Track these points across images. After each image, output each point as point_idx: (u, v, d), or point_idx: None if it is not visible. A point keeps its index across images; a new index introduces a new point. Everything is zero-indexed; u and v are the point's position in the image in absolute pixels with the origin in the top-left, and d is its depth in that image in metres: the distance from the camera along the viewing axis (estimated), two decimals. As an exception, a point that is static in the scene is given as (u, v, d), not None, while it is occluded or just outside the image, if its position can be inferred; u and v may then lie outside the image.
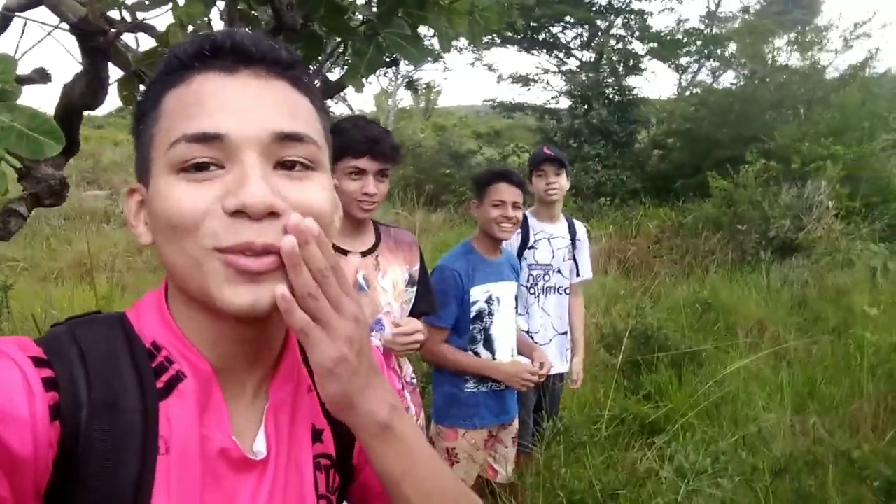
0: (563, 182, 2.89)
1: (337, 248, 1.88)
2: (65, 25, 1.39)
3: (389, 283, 1.92)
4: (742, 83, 12.14)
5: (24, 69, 1.48)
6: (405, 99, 24.96)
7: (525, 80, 15.36)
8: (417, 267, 2.04)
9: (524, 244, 2.87)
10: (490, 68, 15.23)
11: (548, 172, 2.87)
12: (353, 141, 1.80)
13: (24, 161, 1.39)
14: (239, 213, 0.55)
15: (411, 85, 19.78)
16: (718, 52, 13.82)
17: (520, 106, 15.19)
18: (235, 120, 0.57)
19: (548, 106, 14.86)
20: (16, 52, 1.27)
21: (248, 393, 0.66)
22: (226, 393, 0.64)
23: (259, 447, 0.64)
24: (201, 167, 0.57)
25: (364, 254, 1.90)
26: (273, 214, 0.56)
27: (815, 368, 4.29)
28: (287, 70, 0.62)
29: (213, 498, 0.60)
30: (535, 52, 15.15)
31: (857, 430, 3.18)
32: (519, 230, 2.81)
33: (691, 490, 2.02)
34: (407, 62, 1.77)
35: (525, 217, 2.91)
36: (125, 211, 0.66)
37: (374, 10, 1.80)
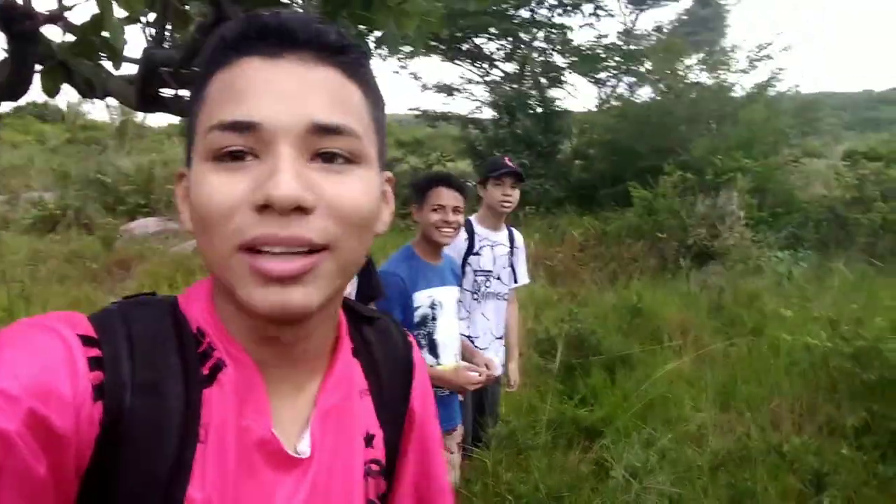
0: (517, 195, 2.92)
1: None
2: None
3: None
4: (658, 98, 12.69)
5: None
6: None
7: (449, 90, 15.47)
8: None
9: (470, 250, 2.87)
10: (415, 77, 15.18)
11: (505, 183, 2.88)
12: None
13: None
14: (266, 207, 0.53)
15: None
16: (635, 67, 14.39)
17: (444, 115, 15.26)
18: (272, 108, 0.54)
19: (472, 116, 15.03)
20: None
21: (292, 392, 0.64)
22: (270, 385, 0.62)
23: (303, 448, 0.63)
24: (236, 156, 0.55)
25: None
26: (301, 210, 0.53)
27: (734, 368, 4.50)
28: (336, 55, 0.58)
29: (249, 490, 0.58)
30: (458, 61, 15.29)
31: (779, 426, 3.35)
32: (466, 236, 2.80)
33: (640, 489, 2.06)
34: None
35: (470, 223, 2.91)
36: (175, 196, 0.65)
37: (316, 7, 1.75)
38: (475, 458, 2.83)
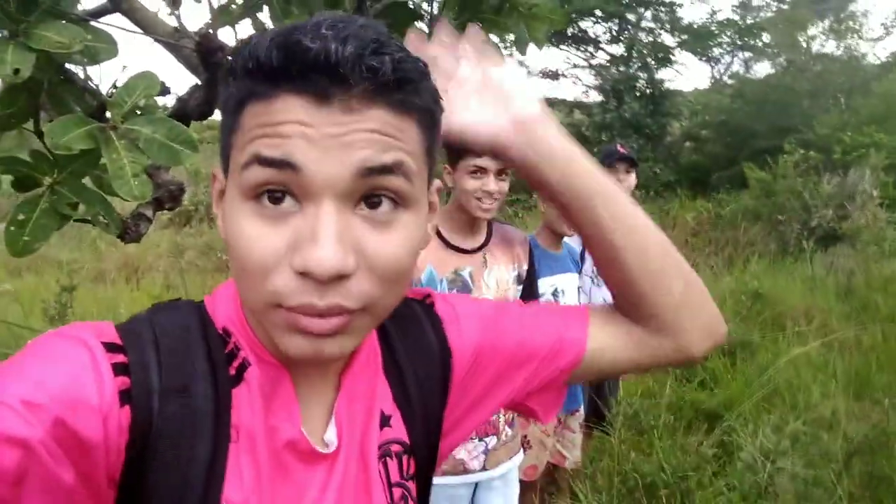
0: (632, 181, 2.97)
1: (451, 246, 1.91)
2: (186, 42, 1.51)
3: (493, 281, 1.94)
4: (778, 73, 11.99)
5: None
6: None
7: (554, 75, 15.34)
8: (526, 266, 2.05)
9: None
10: (521, 63, 15.12)
11: (619, 169, 2.94)
12: None
13: (147, 168, 1.50)
14: (305, 273, 0.51)
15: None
16: (752, 42, 13.63)
17: (550, 101, 15.03)
18: (315, 155, 0.50)
19: (578, 101, 14.83)
20: (124, 67, 1.38)
21: (318, 381, 0.64)
22: (297, 385, 0.62)
23: (330, 437, 0.63)
24: (275, 198, 0.52)
25: (473, 251, 1.93)
26: (342, 276, 0.51)
27: (867, 356, 4.29)
28: (392, 93, 0.52)
29: (284, 490, 0.59)
30: (563, 46, 15.11)
31: (919, 416, 3.19)
32: None
33: (773, 470, 2.08)
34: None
35: None
36: (213, 197, 0.63)
37: (453, 16, 1.88)
38: (597, 438, 2.93)
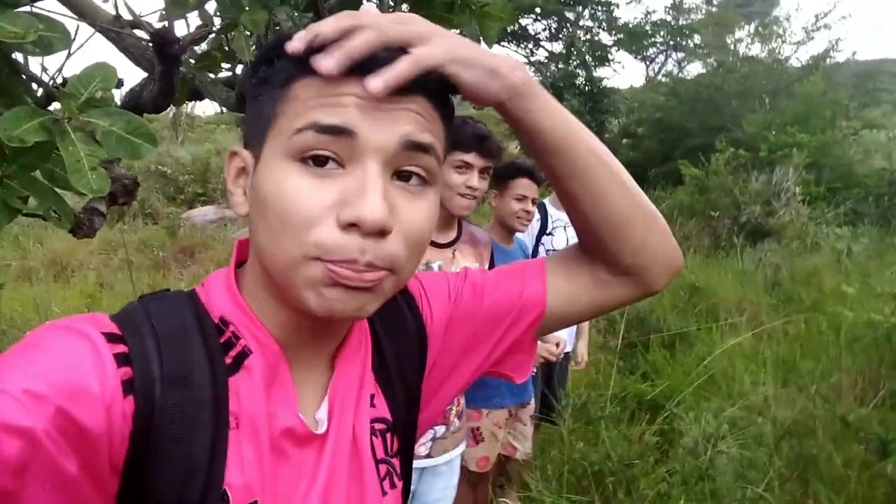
0: None
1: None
2: (141, 33, 1.47)
3: None
4: (708, 73, 12.48)
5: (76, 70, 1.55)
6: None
7: (495, 72, 15.45)
8: (487, 266, 2.12)
9: (542, 230, 3.02)
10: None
11: None
12: (464, 137, 1.92)
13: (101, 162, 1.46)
14: (352, 225, 0.54)
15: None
16: (684, 43, 14.15)
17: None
18: (369, 122, 0.56)
19: (518, 97, 14.98)
20: (68, 55, 1.33)
21: (313, 363, 0.67)
22: (293, 369, 0.64)
23: (321, 416, 0.65)
24: (322, 161, 0.56)
25: (444, 245, 1.98)
26: (383, 232, 0.55)
27: (793, 345, 4.55)
28: (429, 84, 0.60)
29: (283, 472, 0.61)
30: (504, 43, 15.28)
31: (840, 399, 3.41)
32: (539, 217, 2.95)
33: (714, 452, 2.20)
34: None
35: (543, 205, 3.07)
36: (225, 173, 0.65)
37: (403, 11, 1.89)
38: (545, 430, 3.01)
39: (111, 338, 0.55)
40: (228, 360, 0.60)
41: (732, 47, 12.40)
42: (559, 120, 0.68)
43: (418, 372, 0.77)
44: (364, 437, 0.68)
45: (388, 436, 0.72)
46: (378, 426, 0.71)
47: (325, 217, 0.55)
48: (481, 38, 2.01)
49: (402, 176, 0.58)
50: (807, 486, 2.51)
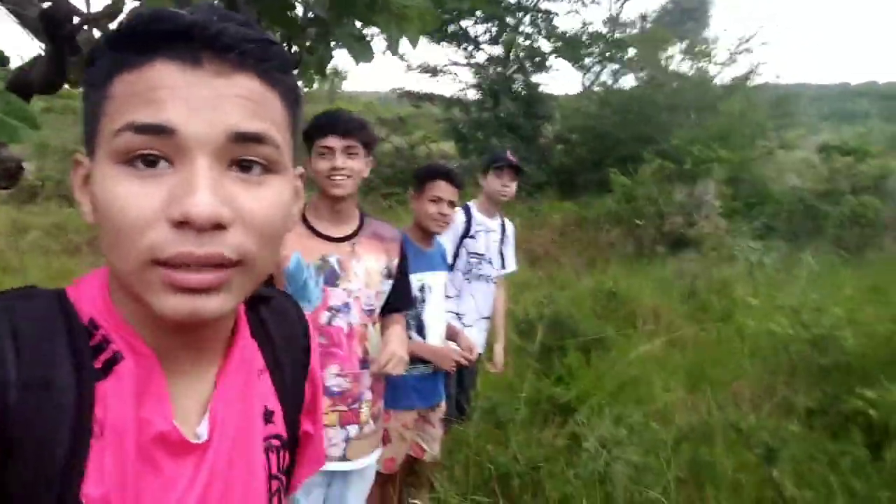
0: (514, 187, 3.14)
1: (317, 233, 1.93)
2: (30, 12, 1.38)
3: (363, 270, 1.97)
4: (640, 86, 12.90)
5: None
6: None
7: (434, 71, 15.51)
8: (397, 261, 2.08)
9: (466, 233, 3.04)
10: (400, 57, 15.13)
11: (505, 176, 3.07)
12: (317, 123, 1.92)
13: (-23, 143, 1.37)
14: (184, 223, 0.51)
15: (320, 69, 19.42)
16: (619, 55, 14.56)
17: (428, 96, 15.32)
18: (189, 116, 0.52)
19: (456, 97, 15.10)
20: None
21: (192, 377, 0.63)
22: (168, 376, 0.61)
23: (202, 431, 0.62)
24: (152, 162, 0.53)
25: (341, 239, 1.95)
26: (219, 226, 0.52)
27: (703, 352, 4.75)
28: (259, 63, 0.56)
29: (151, 484, 0.58)
30: (444, 43, 15.32)
31: (740, 406, 3.59)
32: (465, 219, 2.98)
33: (610, 458, 2.26)
34: (358, 61, 1.86)
35: (468, 208, 3.09)
36: (72, 183, 0.61)
37: (326, 8, 1.86)
38: (455, 431, 3.02)
39: None
40: (98, 365, 0.57)
41: (664, 63, 12.86)
42: None
43: (302, 387, 0.77)
44: (256, 451, 0.67)
45: (282, 452, 0.71)
46: (274, 442, 0.70)
47: (157, 219, 0.52)
48: (403, 39, 2.01)
49: (242, 166, 0.55)
50: (702, 490, 2.61)
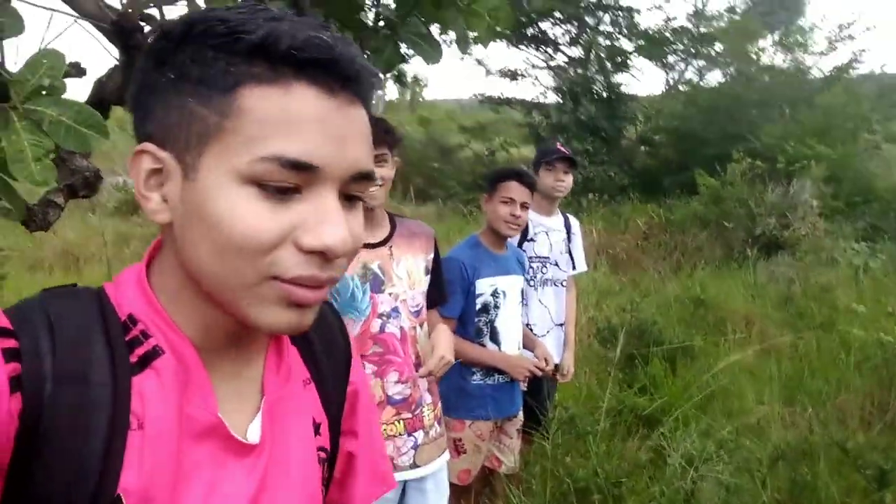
0: (570, 181, 2.96)
1: None
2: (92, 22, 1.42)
3: (404, 272, 1.97)
4: (728, 82, 12.31)
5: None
6: (390, 91, 24.88)
7: (513, 75, 15.40)
8: (432, 256, 2.07)
9: (524, 237, 2.92)
10: (479, 62, 15.14)
11: (558, 169, 2.92)
12: None
13: (59, 153, 1.41)
14: (315, 252, 0.54)
15: (399, 78, 19.73)
16: (705, 50, 13.97)
17: (507, 100, 15.24)
18: (332, 153, 0.54)
19: (536, 101, 14.94)
20: (41, 44, 1.29)
21: (233, 377, 0.64)
22: (211, 372, 0.61)
23: (253, 435, 0.63)
24: (284, 190, 0.54)
25: (378, 244, 1.94)
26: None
27: (801, 363, 4.42)
28: (367, 92, 0.58)
29: (195, 478, 0.58)
30: (523, 46, 15.20)
31: (845, 422, 3.30)
32: None
33: (697, 476, 2.11)
34: (427, 61, 1.82)
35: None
36: (132, 174, 0.59)
37: (393, 7, 1.83)
38: (534, 443, 2.92)
39: (1, 332, 0.53)
40: (134, 359, 0.58)
41: (754, 56, 12.23)
42: None
43: (343, 400, 0.77)
44: (311, 462, 0.68)
45: (325, 466, 0.72)
46: (321, 455, 0.71)
47: (284, 241, 0.54)
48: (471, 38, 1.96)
49: (348, 197, 0.58)
50: (802, 514, 2.41)
